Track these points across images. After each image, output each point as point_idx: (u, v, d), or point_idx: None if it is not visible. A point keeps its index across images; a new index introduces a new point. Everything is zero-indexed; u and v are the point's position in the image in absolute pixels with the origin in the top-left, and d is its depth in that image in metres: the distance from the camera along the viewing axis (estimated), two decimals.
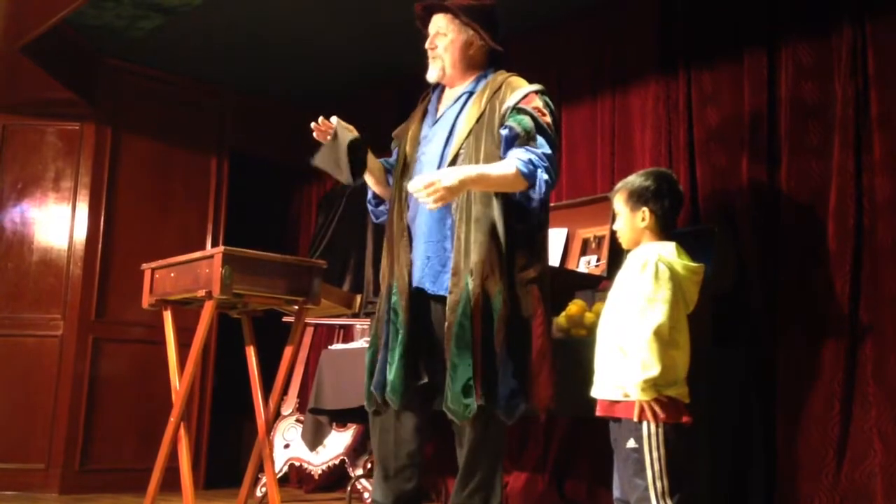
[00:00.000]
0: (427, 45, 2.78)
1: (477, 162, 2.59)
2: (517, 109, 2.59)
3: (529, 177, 2.50)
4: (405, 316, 2.61)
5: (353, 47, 4.72)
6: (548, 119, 2.62)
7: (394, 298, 2.66)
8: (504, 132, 2.58)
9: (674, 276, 2.25)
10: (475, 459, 2.57)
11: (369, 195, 2.98)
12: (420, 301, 2.65)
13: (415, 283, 2.65)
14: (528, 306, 2.57)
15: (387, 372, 2.62)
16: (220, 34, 4.65)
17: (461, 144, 2.65)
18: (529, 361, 2.55)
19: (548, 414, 2.74)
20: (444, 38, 2.76)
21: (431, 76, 2.80)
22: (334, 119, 2.73)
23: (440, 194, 2.40)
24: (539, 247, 2.68)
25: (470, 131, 2.65)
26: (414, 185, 2.45)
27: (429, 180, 2.41)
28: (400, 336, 2.61)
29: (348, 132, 2.71)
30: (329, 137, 2.72)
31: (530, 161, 2.50)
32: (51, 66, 4.55)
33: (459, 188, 2.45)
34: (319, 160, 2.75)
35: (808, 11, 3.32)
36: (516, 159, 2.51)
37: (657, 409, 2.17)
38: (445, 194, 2.41)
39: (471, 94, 2.74)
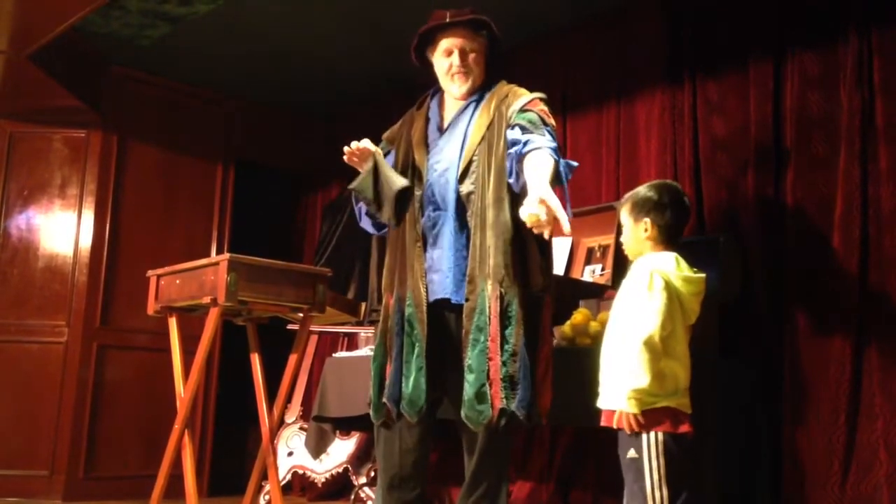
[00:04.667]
0: (459, 64, 2.75)
1: (488, 167, 2.61)
2: (523, 110, 2.64)
3: (556, 161, 2.52)
4: (422, 328, 2.60)
5: (359, 55, 4.73)
6: (552, 122, 2.66)
7: (408, 310, 2.63)
8: (510, 131, 2.61)
9: (669, 287, 2.25)
10: (482, 468, 2.57)
11: (361, 205, 2.91)
12: (437, 313, 2.64)
13: (440, 295, 2.64)
14: (541, 313, 2.59)
15: (402, 385, 2.61)
16: (226, 43, 4.67)
17: (474, 151, 2.67)
18: (538, 368, 2.56)
19: (548, 421, 2.74)
20: (471, 52, 2.77)
21: (461, 91, 2.78)
22: (369, 144, 2.74)
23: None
24: (550, 253, 2.70)
25: (482, 138, 2.67)
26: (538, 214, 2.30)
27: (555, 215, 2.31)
28: (417, 349, 2.59)
29: (388, 168, 2.72)
30: (368, 166, 2.72)
31: (552, 149, 2.51)
32: (58, 74, 4.56)
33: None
34: (360, 187, 2.73)
35: (815, 21, 3.32)
36: (547, 149, 2.49)
37: (641, 420, 2.18)
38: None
39: (478, 102, 2.77)
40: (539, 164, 2.47)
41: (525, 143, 2.52)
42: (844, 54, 3.20)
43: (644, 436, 2.20)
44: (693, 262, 2.40)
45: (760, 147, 3.41)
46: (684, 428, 2.21)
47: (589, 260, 3.79)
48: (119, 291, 4.93)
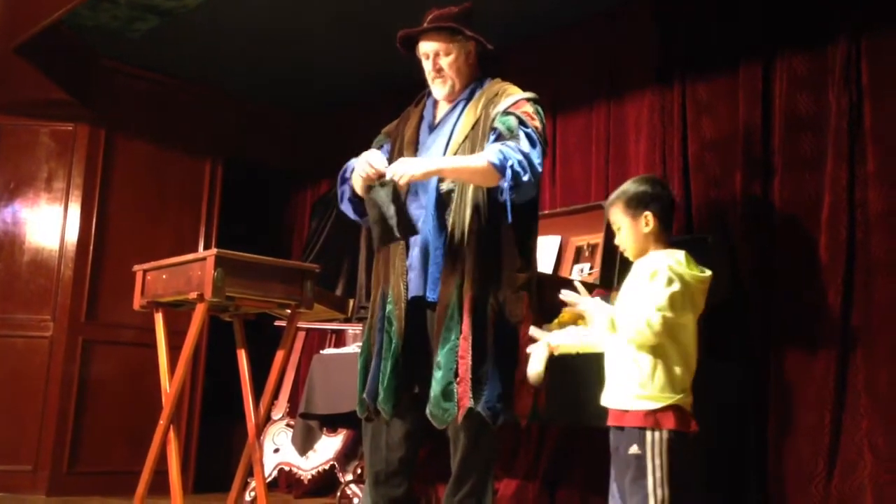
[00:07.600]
0: (431, 69, 2.75)
1: None
2: (505, 112, 2.62)
3: (500, 168, 2.46)
4: (399, 325, 2.61)
5: (351, 51, 4.71)
6: (536, 123, 2.62)
7: (388, 307, 2.65)
8: (491, 134, 2.60)
9: (685, 282, 2.21)
10: (467, 466, 2.57)
11: (350, 196, 2.82)
12: (416, 310, 2.64)
13: (416, 292, 2.64)
14: (518, 312, 2.58)
15: (379, 380, 2.62)
16: (216, 37, 4.64)
17: (457, 150, 2.67)
18: (515, 368, 2.55)
19: (538, 422, 2.74)
20: (445, 57, 2.74)
21: (441, 94, 2.79)
22: (390, 173, 2.59)
23: (407, 176, 2.46)
24: (529, 253, 2.69)
25: (466, 137, 2.67)
26: (390, 169, 2.50)
27: (398, 169, 2.48)
28: (393, 345, 2.60)
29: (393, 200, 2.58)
30: (382, 196, 2.59)
31: (501, 152, 2.48)
32: (45, 67, 4.53)
33: (427, 174, 2.49)
34: (379, 201, 2.55)
35: (804, 23, 3.34)
36: (488, 151, 2.51)
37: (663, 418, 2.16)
38: (412, 176, 2.47)
39: (467, 100, 2.76)
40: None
41: None
42: (833, 56, 3.22)
43: (648, 433, 2.17)
44: None
45: (749, 148, 3.43)
46: (693, 427, 2.19)
47: (577, 259, 3.80)
48: (105, 286, 4.89)
